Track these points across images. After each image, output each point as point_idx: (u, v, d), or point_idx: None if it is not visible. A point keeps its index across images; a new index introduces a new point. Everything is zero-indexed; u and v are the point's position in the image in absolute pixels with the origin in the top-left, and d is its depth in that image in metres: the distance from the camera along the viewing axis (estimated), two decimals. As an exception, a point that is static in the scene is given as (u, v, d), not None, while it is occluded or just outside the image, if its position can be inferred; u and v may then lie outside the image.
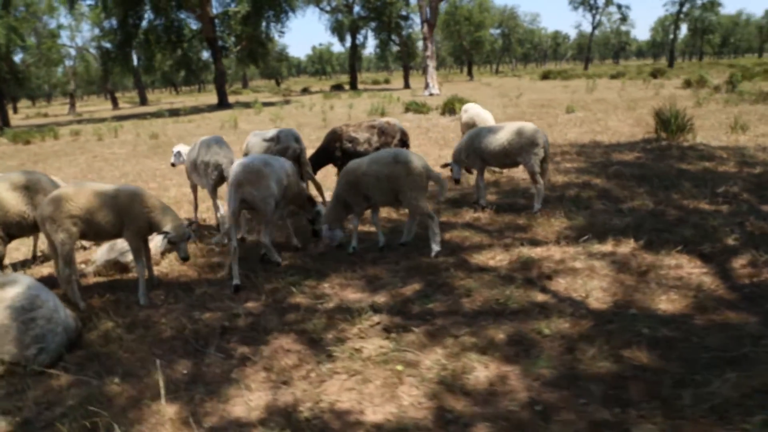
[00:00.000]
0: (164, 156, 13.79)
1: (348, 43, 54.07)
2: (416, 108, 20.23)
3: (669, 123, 10.71)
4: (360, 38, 54.20)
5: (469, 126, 8.52)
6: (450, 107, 18.70)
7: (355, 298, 4.58)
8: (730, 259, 4.81)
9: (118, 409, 3.22)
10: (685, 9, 71.57)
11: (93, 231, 4.66)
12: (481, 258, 5.25)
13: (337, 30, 53.72)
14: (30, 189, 5.07)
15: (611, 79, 37.73)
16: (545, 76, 44.91)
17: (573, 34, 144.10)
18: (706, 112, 14.73)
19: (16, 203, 4.95)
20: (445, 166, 7.06)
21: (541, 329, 3.81)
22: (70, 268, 4.65)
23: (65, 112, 45.30)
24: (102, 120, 27.78)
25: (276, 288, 4.92)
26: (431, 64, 33.47)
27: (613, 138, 11.67)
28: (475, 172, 6.94)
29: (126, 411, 3.20)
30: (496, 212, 6.62)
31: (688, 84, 24.14)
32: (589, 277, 4.65)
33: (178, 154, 7.49)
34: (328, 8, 52.20)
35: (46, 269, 5.96)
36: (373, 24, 51.55)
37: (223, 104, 34.46)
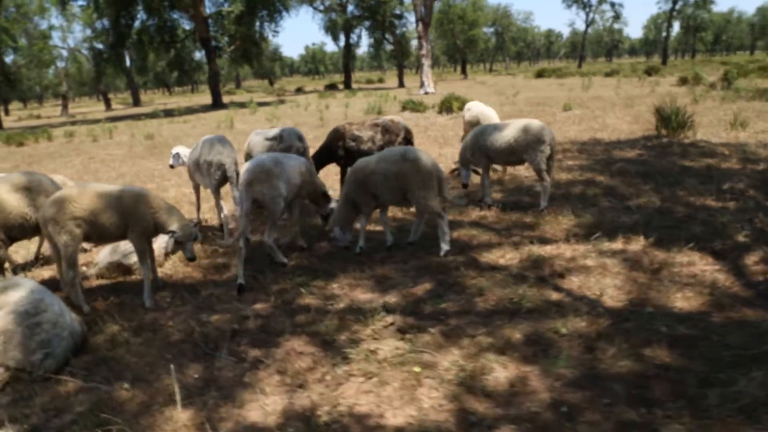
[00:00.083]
0: (161, 157, 13.66)
1: (342, 43, 53.99)
2: (413, 106, 20.17)
3: (669, 120, 10.70)
4: (354, 37, 54.15)
5: (472, 124, 8.46)
6: (447, 105, 18.63)
7: (366, 299, 4.51)
8: (743, 256, 4.78)
9: (130, 416, 3.13)
10: (677, 7, 71.90)
11: (97, 233, 4.56)
12: (491, 256, 5.19)
13: (331, 29, 53.64)
14: (32, 190, 4.96)
15: (606, 76, 37.82)
16: (540, 75, 44.92)
17: (566, 32, 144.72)
18: (703, 109, 14.74)
19: (17, 205, 4.84)
20: (453, 171, 7.01)
21: (558, 328, 3.76)
22: (73, 271, 4.54)
23: (58, 114, 44.87)
24: (96, 121, 27.54)
25: (284, 289, 4.84)
26: (426, 62, 33.42)
27: (613, 135, 11.65)
28: (480, 170, 6.88)
29: (138, 417, 3.12)
30: (502, 210, 6.56)
31: (683, 81, 24.21)
32: (601, 275, 4.59)
33: (177, 155, 7.38)
34: (321, 7, 52.14)
35: (47, 272, 5.85)
36: (366, 23, 51.47)
37: (217, 104, 34.26)
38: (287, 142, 6.80)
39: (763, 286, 4.23)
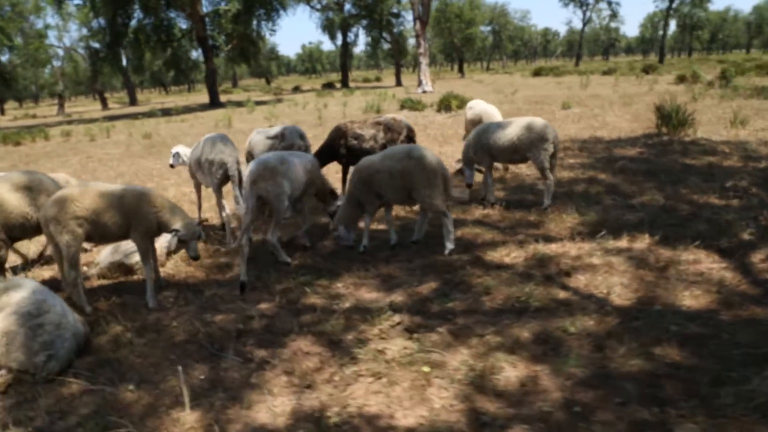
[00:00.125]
0: (159, 156, 13.59)
1: (339, 41, 53.89)
2: (411, 105, 20.12)
3: (670, 118, 10.68)
4: (351, 36, 54.04)
5: (474, 123, 8.42)
6: (446, 104, 18.60)
7: (371, 298, 4.47)
8: (749, 254, 4.76)
9: (137, 418, 3.09)
10: (674, 5, 72.00)
11: (99, 233, 4.51)
12: (495, 255, 5.16)
13: (328, 28, 53.53)
14: (32, 189, 4.89)
15: (603, 75, 37.82)
16: (537, 73, 44.92)
17: (562, 31, 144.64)
18: (702, 107, 14.74)
19: (18, 204, 4.77)
20: (457, 172, 6.98)
21: (566, 327, 3.73)
22: (75, 271, 4.49)
23: (54, 113, 44.63)
24: (93, 120, 27.42)
25: (288, 288, 4.80)
26: (424, 61, 33.31)
27: (613, 133, 11.64)
28: (483, 169, 6.85)
29: (145, 419, 3.07)
30: (505, 209, 6.53)
31: (681, 79, 24.23)
32: (608, 274, 4.57)
33: (177, 155, 7.33)
34: (318, 6, 51.95)
35: (47, 272, 5.79)
36: (364, 21, 51.34)
37: (215, 103, 34.13)
38: (289, 140, 6.75)
39: (771, 283, 4.21)
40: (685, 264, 4.66)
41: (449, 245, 5.21)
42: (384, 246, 5.65)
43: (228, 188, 6.51)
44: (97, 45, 38.11)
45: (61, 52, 49.29)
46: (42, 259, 6.18)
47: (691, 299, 4.07)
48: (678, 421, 2.76)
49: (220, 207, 6.32)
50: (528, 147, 6.28)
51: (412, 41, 50.20)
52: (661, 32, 78.45)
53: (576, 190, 7.20)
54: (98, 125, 22.24)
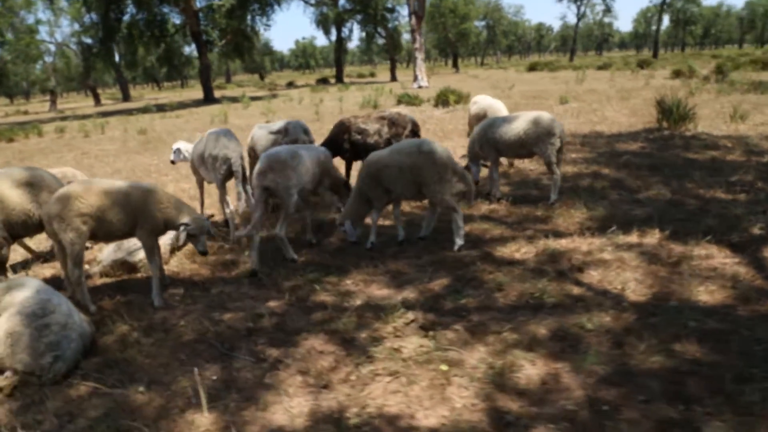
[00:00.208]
0: (156, 152, 13.44)
1: (333, 37, 53.56)
2: (408, 100, 20.01)
3: (671, 112, 10.66)
4: (345, 31, 53.70)
5: (479, 117, 8.34)
6: (443, 99, 18.52)
7: (382, 295, 4.40)
8: (761, 249, 4.73)
9: (149, 420, 3.00)
10: (667, 0, 72.14)
11: (104, 230, 4.41)
12: (506, 251, 5.11)
13: (322, 23, 53.12)
14: (34, 186, 4.78)
15: (598, 70, 37.83)
16: (532, 68, 44.86)
17: (556, 26, 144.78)
18: (700, 101, 14.71)
19: (20, 201, 4.66)
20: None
21: (583, 324, 3.68)
22: (79, 270, 4.39)
23: (46, 109, 44.14)
24: (86, 116, 27.15)
25: (297, 285, 4.72)
26: (420, 56, 33.16)
27: (613, 128, 11.60)
28: (489, 164, 6.79)
29: (158, 422, 2.99)
30: (512, 204, 6.48)
31: (677, 74, 24.24)
32: (621, 269, 4.52)
33: (178, 151, 7.22)
34: (313, 1, 51.59)
35: (48, 270, 5.68)
36: (358, 17, 51.05)
37: (209, 99, 33.89)
38: (293, 135, 6.66)
39: (786, 278, 4.18)
40: (698, 259, 4.62)
41: (459, 241, 5.15)
42: (391, 242, 5.58)
43: (231, 184, 6.42)
44: (89, 40, 37.77)
45: (52, 48, 48.69)
46: (41, 257, 6.06)
47: (706, 294, 4.03)
48: (705, 420, 2.71)
49: (224, 203, 6.21)
50: (535, 141, 6.23)
51: (406, 36, 50.01)
52: (654, 27, 78.61)
53: (581, 184, 7.16)
54: (92, 121, 22.02)
